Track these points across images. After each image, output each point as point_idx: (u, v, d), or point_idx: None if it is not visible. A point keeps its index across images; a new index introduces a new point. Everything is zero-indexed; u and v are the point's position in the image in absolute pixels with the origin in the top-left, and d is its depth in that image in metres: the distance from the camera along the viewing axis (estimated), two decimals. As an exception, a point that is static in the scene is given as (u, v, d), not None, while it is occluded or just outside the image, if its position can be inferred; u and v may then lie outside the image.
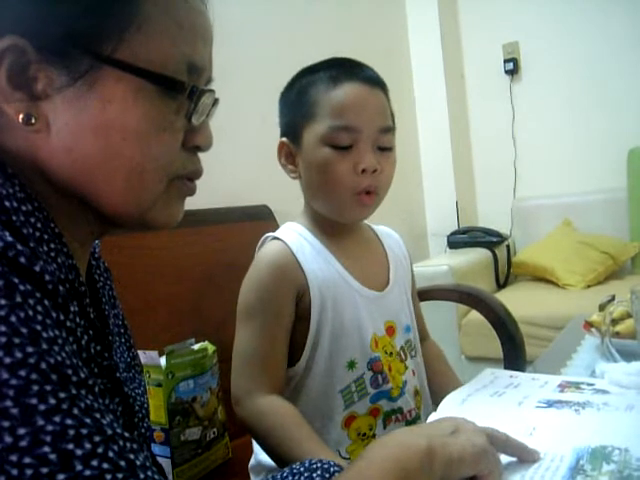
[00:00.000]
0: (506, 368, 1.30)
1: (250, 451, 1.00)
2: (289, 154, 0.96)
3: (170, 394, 1.10)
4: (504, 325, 1.40)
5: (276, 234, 0.96)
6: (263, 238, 0.98)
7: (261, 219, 1.71)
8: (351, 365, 0.92)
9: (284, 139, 0.96)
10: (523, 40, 3.19)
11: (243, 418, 0.89)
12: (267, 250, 0.94)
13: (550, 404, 0.78)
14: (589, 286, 2.62)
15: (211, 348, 1.19)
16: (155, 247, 1.25)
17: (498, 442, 0.60)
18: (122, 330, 0.69)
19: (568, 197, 3.05)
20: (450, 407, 0.82)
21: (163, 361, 1.10)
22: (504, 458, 0.62)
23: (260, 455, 0.94)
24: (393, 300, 1.01)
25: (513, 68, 3.21)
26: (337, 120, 0.89)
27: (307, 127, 0.92)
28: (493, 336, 1.41)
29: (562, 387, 0.85)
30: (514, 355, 1.36)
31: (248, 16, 2.08)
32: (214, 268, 1.45)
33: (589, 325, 1.10)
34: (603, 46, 2.97)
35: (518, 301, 2.30)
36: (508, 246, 3.06)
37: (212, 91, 0.56)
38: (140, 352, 0.82)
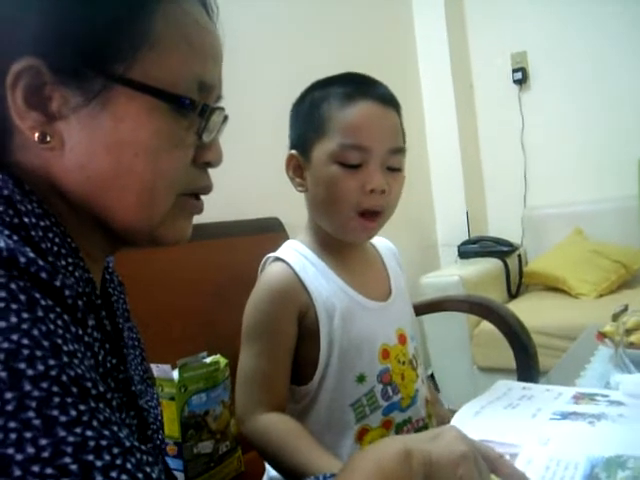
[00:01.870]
0: (519, 379, 1.29)
1: (262, 465, 1.00)
2: (297, 167, 0.96)
3: (183, 407, 1.11)
4: (516, 335, 1.39)
5: (278, 254, 0.96)
6: (265, 259, 0.98)
7: (272, 231, 1.71)
8: (360, 379, 0.92)
9: (293, 152, 0.96)
10: (531, 49, 3.20)
11: (247, 436, 0.90)
12: (268, 273, 0.94)
13: (564, 416, 0.78)
14: (602, 295, 2.60)
15: (223, 361, 1.20)
16: (167, 261, 1.25)
17: (488, 459, 0.57)
18: (136, 343, 0.69)
19: (579, 205, 3.04)
20: (464, 419, 0.82)
21: (176, 374, 1.11)
22: None
23: (272, 472, 0.94)
24: (398, 309, 1.01)
25: (522, 77, 3.21)
26: (348, 139, 0.88)
27: (317, 143, 0.91)
28: (505, 346, 1.41)
29: (576, 399, 0.85)
30: (527, 365, 1.35)
31: (257, 29, 2.10)
32: (226, 281, 1.46)
33: (602, 336, 1.09)
34: (612, 54, 2.97)
35: (530, 311, 2.29)
36: (519, 255, 3.05)
37: (222, 109, 0.57)
38: (153, 365, 0.83)
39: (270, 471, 0.97)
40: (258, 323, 0.92)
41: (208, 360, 1.18)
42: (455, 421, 0.81)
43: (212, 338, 1.34)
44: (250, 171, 1.89)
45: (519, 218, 3.22)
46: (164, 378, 1.09)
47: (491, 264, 2.90)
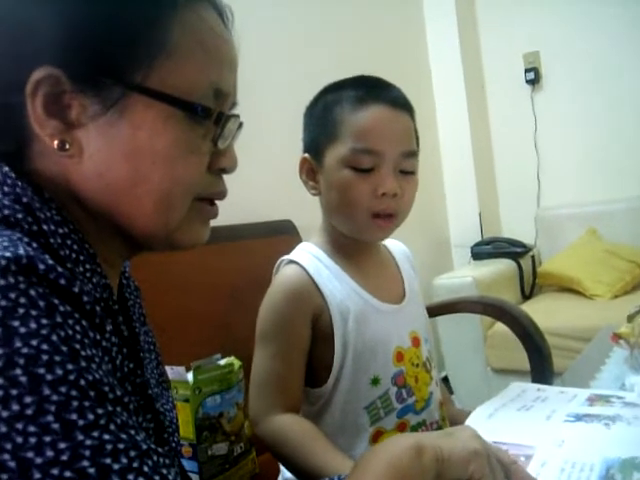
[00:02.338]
0: (533, 380, 1.29)
1: (276, 466, 1.00)
2: (310, 171, 0.97)
3: (197, 409, 1.11)
4: (530, 337, 1.39)
5: (291, 257, 0.96)
6: (279, 262, 0.99)
7: (285, 234, 1.72)
8: (375, 381, 0.92)
9: (306, 155, 0.97)
10: (544, 49, 3.19)
11: (261, 437, 0.90)
12: (282, 275, 0.95)
13: (579, 418, 0.78)
14: (616, 296, 2.59)
15: (237, 363, 1.20)
16: (181, 264, 1.26)
17: (502, 464, 0.56)
18: (151, 347, 0.70)
19: (592, 206, 3.02)
20: (477, 421, 0.81)
21: (190, 377, 1.11)
22: None
23: (286, 473, 0.95)
24: (411, 312, 1.01)
25: (534, 77, 3.20)
26: (360, 143, 0.89)
27: (330, 147, 0.92)
28: (519, 348, 1.40)
29: (591, 400, 0.84)
30: (541, 367, 1.35)
31: (269, 33, 2.11)
32: (239, 283, 1.47)
33: (617, 337, 1.08)
34: (624, 54, 2.96)
35: (544, 312, 2.28)
36: (533, 256, 3.03)
37: (237, 116, 0.58)
38: (167, 368, 0.83)
39: (284, 473, 0.97)
40: (272, 325, 0.92)
41: (222, 362, 1.18)
42: (469, 423, 0.81)
43: (226, 340, 1.34)
44: (263, 174, 1.90)
45: (532, 219, 3.21)
46: (179, 380, 1.10)
47: (504, 265, 2.89)
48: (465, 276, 2.59)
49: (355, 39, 2.67)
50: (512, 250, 2.97)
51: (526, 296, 2.95)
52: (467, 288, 2.49)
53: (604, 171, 3.04)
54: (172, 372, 1.07)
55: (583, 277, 2.69)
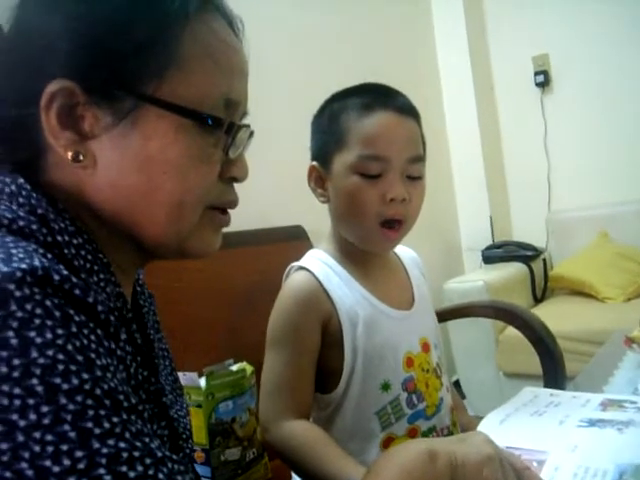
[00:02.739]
0: (546, 384, 1.29)
1: (289, 472, 1.00)
2: (319, 178, 0.97)
3: (210, 415, 1.12)
4: (542, 341, 1.38)
5: (301, 264, 0.97)
6: (288, 268, 0.99)
7: (296, 239, 1.72)
8: (385, 387, 0.92)
9: (314, 163, 0.97)
10: (553, 52, 3.18)
11: (272, 444, 0.90)
12: (292, 281, 0.95)
13: (592, 423, 0.77)
14: (629, 299, 2.57)
15: (249, 369, 1.20)
16: (193, 269, 1.27)
17: (515, 469, 0.56)
18: (165, 353, 0.71)
19: (603, 208, 3.00)
20: (490, 427, 0.81)
21: (203, 382, 1.12)
22: None
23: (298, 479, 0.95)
24: (421, 317, 1.01)
25: (544, 80, 3.19)
26: (367, 149, 0.89)
27: (337, 154, 0.92)
28: (531, 352, 1.40)
29: (604, 405, 0.84)
30: (553, 371, 1.34)
31: (279, 39, 2.12)
32: (251, 289, 1.47)
33: (630, 341, 1.08)
34: (634, 55, 2.94)
35: (556, 316, 2.27)
36: (544, 260, 3.02)
37: (248, 126, 0.59)
38: (180, 374, 0.84)
39: (296, 479, 0.97)
40: (282, 331, 0.93)
41: (234, 367, 1.19)
42: (481, 429, 0.81)
43: (238, 345, 1.35)
44: (274, 180, 1.90)
45: (543, 222, 3.19)
46: (191, 386, 1.11)
47: (516, 269, 2.88)
48: (476, 280, 2.58)
49: (363, 45, 2.67)
50: (523, 254, 2.97)
51: (537, 300, 2.93)
52: (478, 292, 2.49)
53: (615, 173, 3.03)
54: (185, 378, 1.08)
55: (595, 280, 2.68)
